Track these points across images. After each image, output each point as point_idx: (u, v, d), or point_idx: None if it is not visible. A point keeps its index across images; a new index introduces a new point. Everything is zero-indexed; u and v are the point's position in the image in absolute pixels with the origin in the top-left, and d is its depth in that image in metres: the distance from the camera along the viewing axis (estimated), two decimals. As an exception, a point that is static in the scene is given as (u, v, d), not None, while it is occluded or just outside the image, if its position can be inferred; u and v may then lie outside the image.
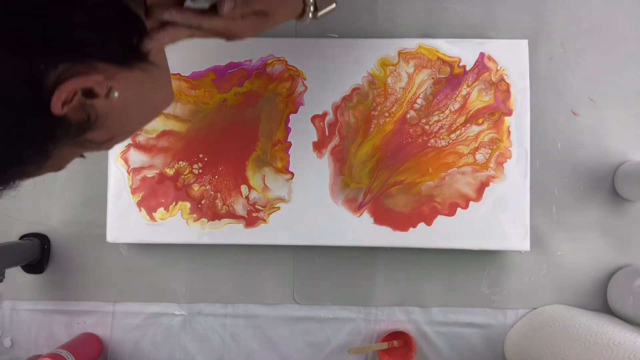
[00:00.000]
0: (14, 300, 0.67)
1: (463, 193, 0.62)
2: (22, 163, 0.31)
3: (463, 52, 0.62)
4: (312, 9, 0.43)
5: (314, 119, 0.63)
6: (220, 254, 0.66)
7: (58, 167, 0.36)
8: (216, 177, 0.63)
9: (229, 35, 0.41)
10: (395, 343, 0.62)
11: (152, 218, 0.63)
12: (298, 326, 0.65)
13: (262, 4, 0.40)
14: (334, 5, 0.44)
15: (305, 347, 0.65)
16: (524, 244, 0.61)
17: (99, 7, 0.30)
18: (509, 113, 0.62)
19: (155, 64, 0.37)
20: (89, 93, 0.31)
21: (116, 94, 0.32)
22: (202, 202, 0.63)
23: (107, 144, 0.38)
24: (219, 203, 0.63)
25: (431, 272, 0.65)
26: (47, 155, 0.32)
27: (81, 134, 0.33)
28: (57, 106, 0.29)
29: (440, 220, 0.61)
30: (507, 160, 0.62)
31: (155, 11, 0.35)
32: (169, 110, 0.63)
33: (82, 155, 0.38)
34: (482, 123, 0.62)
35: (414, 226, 0.61)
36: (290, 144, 0.63)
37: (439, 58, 0.62)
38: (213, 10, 0.38)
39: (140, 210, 0.63)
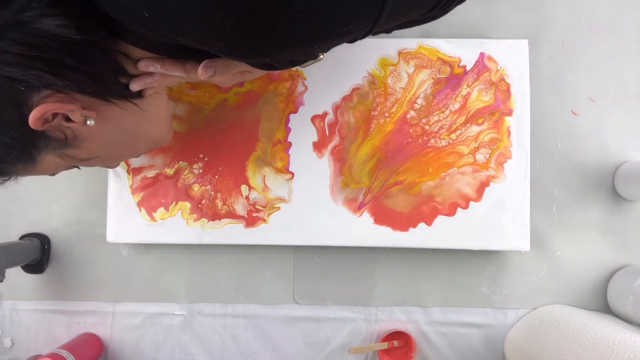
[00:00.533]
0: (14, 300, 0.67)
1: (463, 193, 0.62)
2: (9, 162, 0.37)
3: (463, 52, 0.62)
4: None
5: (314, 119, 0.63)
6: (220, 254, 0.66)
7: (51, 172, 0.42)
8: (216, 177, 0.63)
9: (212, 83, 0.43)
10: (395, 343, 0.62)
11: (152, 218, 0.63)
12: (298, 326, 0.66)
13: (243, 67, 0.42)
14: (321, 56, 0.45)
15: (305, 347, 0.65)
16: (524, 244, 0.61)
17: (85, 55, 0.34)
18: (509, 113, 0.62)
19: (142, 106, 0.42)
20: (68, 117, 0.36)
21: (91, 123, 0.37)
22: (202, 202, 0.63)
23: (88, 162, 0.42)
24: (219, 203, 0.63)
25: (431, 272, 0.65)
26: (32, 159, 0.38)
27: (61, 148, 0.38)
28: (34, 123, 0.34)
29: (440, 220, 0.61)
30: (507, 160, 0.62)
31: (141, 63, 0.39)
32: (170, 110, 0.63)
33: (77, 167, 0.44)
34: (482, 123, 0.62)
35: (414, 226, 0.61)
36: (290, 144, 0.63)
37: (439, 58, 0.62)
38: (197, 64, 0.40)
39: (140, 210, 0.63)
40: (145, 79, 0.40)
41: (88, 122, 0.37)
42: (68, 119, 0.36)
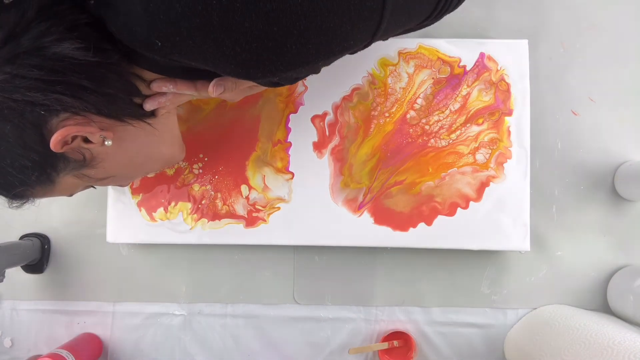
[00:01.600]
0: (14, 300, 0.67)
1: (463, 193, 0.62)
2: (29, 185, 0.38)
3: (463, 52, 0.62)
4: None
5: (314, 119, 0.63)
6: (220, 254, 0.66)
7: (68, 193, 0.43)
8: (216, 177, 0.63)
9: (222, 99, 0.47)
10: (395, 343, 0.62)
11: (152, 218, 0.63)
12: (298, 326, 0.66)
13: (251, 83, 0.44)
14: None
15: (305, 347, 0.65)
16: (524, 244, 0.61)
17: (101, 77, 0.35)
18: (509, 113, 0.62)
19: (155, 125, 0.43)
20: (87, 139, 0.37)
21: (109, 143, 0.39)
22: (203, 202, 0.63)
23: (104, 181, 0.44)
24: (219, 203, 0.63)
25: (431, 272, 0.65)
26: (51, 180, 0.39)
27: (79, 169, 0.40)
28: (55, 145, 0.35)
29: (440, 220, 0.61)
30: (507, 160, 0.62)
31: (154, 84, 0.41)
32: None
33: (93, 187, 0.45)
34: (482, 123, 0.62)
35: (414, 226, 0.61)
36: (290, 144, 0.63)
37: (439, 58, 0.62)
38: (207, 82, 0.42)
39: (140, 210, 0.63)
40: (159, 98, 0.41)
41: (106, 143, 0.38)
42: (87, 141, 0.37)
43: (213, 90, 0.42)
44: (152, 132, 0.44)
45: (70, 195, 0.44)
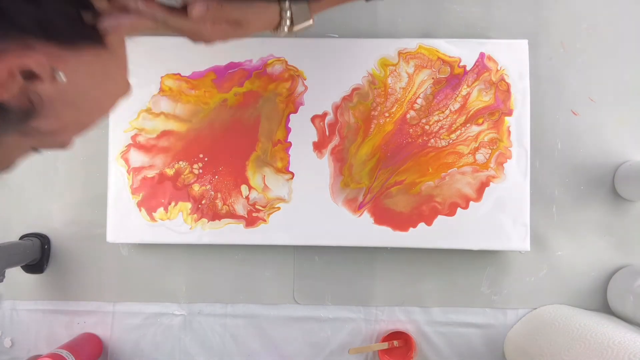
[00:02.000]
0: (14, 300, 0.67)
1: (463, 193, 0.62)
2: None
3: (463, 52, 0.62)
4: (287, 23, 0.41)
5: (314, 119, 0.63)
6: (220, 254, 0.66)
7: (6, 164, 0.33)
8: (216, 177, 0.63)
9: (195, 37, 0.38)
10: (395, 343, 0.62)
11: (152, 218, 0.63)
12: (298, 326, 0.65)
13: (237, 13, 0.38)
14: (310, 21, 0.42)
15: (305, 347, 0.65)
16: (524, 244, 0.61)
17: None
18: (509, 113, 0.62)
19: (109, 50, 0.34)
20: (31, 76, 0.28)
21: (63, 77, 0.30)
22: (203, 202, 0.63)
23: (58, 135, 0.34)
24: (219, 203, 0.63)
25: (431, 272, 0.65)
26: None
27: (25, 121, 0.30)
28: None
29: (440, 220, 0.61)
30: (507, 160, 0.62)
31: None
32: (170, 110, 0.63)
33: (35, 150, 0.35)
34: (482, 123, 0.62)
35: (414, 226, 0.61)
36: (290, 144, 0.63)
37: (439, 58, 0.62)
38: (183, 10, 0.36)
39: (140, 210, 0.63)
40: (120, 18, 0.33)
41: (58, 78, 0.29)
42: (31, 78, 0.28)
43: (195, 7, 0.34)
44: (108, 60, 0.35)
45: (7, 167, 0.33)
